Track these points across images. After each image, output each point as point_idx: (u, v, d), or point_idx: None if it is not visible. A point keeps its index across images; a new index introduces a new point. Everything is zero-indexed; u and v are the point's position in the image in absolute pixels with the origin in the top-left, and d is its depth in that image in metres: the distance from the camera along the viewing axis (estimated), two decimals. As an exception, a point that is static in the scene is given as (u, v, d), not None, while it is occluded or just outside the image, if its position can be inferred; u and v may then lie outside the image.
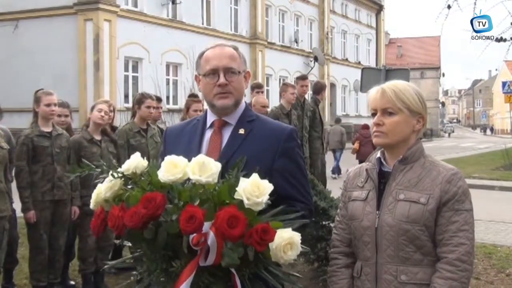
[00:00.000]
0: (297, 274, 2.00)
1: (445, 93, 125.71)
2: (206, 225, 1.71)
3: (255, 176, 1.79)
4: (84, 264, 5.12)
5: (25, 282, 5.26)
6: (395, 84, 2.12)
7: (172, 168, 1.78)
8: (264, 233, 1.71)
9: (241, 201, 1.74)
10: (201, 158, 1.80)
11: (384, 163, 2.16)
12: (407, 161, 2.10)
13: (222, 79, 2.11)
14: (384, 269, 2.06)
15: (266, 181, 1.79)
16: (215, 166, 1.79)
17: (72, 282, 5.38)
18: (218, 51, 2.16)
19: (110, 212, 1.80)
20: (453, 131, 68.23)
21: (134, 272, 1.92)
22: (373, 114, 2.12)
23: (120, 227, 1.75)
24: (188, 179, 1.79)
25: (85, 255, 5.10)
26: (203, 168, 1.77)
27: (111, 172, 1.87)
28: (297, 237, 1.78)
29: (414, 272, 2.03)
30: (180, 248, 1.75)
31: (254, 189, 1.75)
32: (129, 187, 1.87)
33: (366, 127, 15.55)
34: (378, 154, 2.18)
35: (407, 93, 2.09)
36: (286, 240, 1.75)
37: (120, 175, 1.86)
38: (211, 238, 1.71)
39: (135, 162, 1.87)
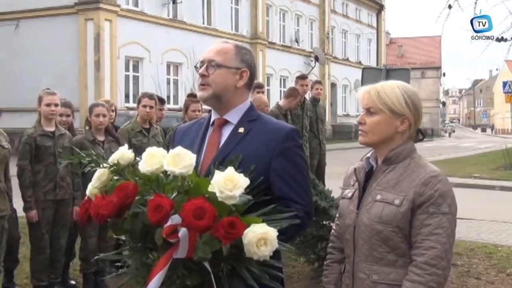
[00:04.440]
0: (281, 275, 1.97)
1: (446, 92, 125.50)
2: (178, 217, 1.71)
3: (230, 169, 1.79)
4: (85, 264, 5.13)
5: (26, 281, 5.26)
6: (382, 85, 2.13)
7: (151, 159, 1.81)
8: (231, 227, 1.69)
9: (215, 194, 1.74)
10: (177, 150, 1.82)
11: (373, 163, 2.17)
12: (390, 162, 2.10)
13: (201, 70, 2.14)
14: (359, 268, 2.09)
15: (241, 175, 1.78)
16: (190, 158, 1.80)
17: (73, 282, 5.38)
18: (212, 46, 2.20)
19: (92, 202, 1.83)
20: (453, 131, 68.16)
21: (118, 264, 1.95)
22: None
23: (99, 216, 1.77)
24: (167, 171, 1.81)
25: (86, 255, 5.10)
26: (178, 160, 1.78)
27: (98, 161, 1.90)
28: (272, 232, 1.74)
29: (386, 272, 2.03)
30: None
31: (227, 183, 1.74)
32: (116, 178, 1.89)
33: None
34: (369, 154, 2.20)
35: (391, 94, 2.09)
36: (259, 235, 1.71)
37: (107, 165, 1.89)
38: (182, 230, 1.71)
39: (120, 153, 1.90)
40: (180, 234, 1.71)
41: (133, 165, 1.90)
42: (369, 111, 2.11)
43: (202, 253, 1.70)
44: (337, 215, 2.33)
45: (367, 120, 2.11)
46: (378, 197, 2.06)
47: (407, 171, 2.07)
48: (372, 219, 2.04)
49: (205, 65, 2.14)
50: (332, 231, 2.35)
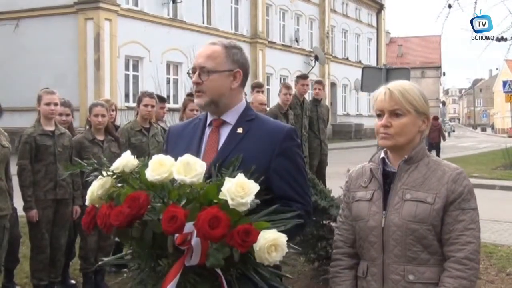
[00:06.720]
0: (288, 275, 1.99)
1: (446, 92, 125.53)
2: (190, 225, 1.70)
3: (240, 176, 1.78)
4: (85, 263, 5.13)
5: (26, 281, 5.26)
6: (402, 85, 2.10)
7: (159, 167, 1.79)
8: (246, 234, 1.69)
9: (226, 201, 1.73)
10: (186, 158, 1.80)
11: (388, 163, 2.15)
12: (412, 161, 2.10)
13: (194, 78, 2.13)
14: (391, 269, 2.06)
15: (252, 182, 1.77)
16: (200, 167, 1.78)
17: (73, 281, 5.38)
18: (201, 49, 2.17)
19: (99, 210, 1.80)
20: (453, 130, 68.14)
21: (125, 270, 1.95)
22: (379, 115, 2.10)
23: (107, 225, 1.75)
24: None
25: (86, 254, 5.11)
26: (188, 168, 1.77)
27: (101, 170, 1.87)
28: (282, 238, 1.75)
29: (421, 271, 2.04)
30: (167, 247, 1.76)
31: (239, 190, 1.73)
32: (120, 185, 1.87)
33: (435, 118, 19.71)
34: (382, 154, 2.17)
35: (413, 93, 2.08)
36: (270, 242, 1.72)
37: (110, 173, 1.86)
38: (195, 238, 1.71)
39: (125, 160, 1.87)
40: (192, 243, 1.71)
41: (137, 171, 1.87)
42: (394, 113, 2.06)
43: (214, 260, 1.71)
44: (339, 218, 2.27)
45: (394, 123, 2.06)
46: (408, 196, 2.05)
47: (430, 169, 2.08)
48: (406, 219, 2.03)
49: (197, 72, 2.12)
50: (337, 236, 2.26)
